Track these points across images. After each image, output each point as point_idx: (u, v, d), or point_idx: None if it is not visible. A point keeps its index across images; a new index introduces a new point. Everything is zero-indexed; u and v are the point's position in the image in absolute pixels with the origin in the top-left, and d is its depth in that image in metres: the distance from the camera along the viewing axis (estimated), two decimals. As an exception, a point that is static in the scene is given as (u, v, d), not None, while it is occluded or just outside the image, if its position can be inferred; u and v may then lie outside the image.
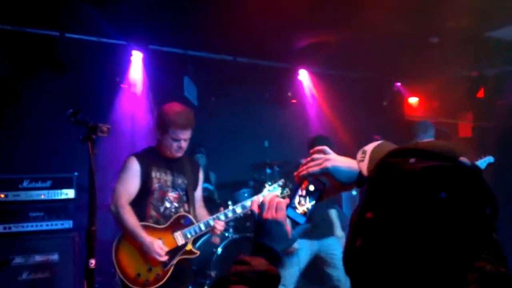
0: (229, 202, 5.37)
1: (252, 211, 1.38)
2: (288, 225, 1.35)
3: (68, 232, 4.38)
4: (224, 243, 4.91)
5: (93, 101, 5.17)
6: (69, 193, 4.45)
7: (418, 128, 5.45)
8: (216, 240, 3.49)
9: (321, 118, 7.26)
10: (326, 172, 1.40)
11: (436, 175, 0.91)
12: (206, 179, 6.01)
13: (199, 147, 5.84)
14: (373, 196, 0.98)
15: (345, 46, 5.94)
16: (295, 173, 1.46)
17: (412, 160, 0.94)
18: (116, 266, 3.18)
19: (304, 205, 1.36)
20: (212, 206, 5.31)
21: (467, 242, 0.91)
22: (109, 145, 5.58)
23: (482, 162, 5.36)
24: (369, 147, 1.23)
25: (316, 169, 1.42)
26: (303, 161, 1.51)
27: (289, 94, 6.76)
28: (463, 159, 0.94)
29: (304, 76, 7.10)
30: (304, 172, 1.44)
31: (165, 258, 3.20)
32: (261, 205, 1.37)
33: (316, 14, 5.00)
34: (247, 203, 3.55)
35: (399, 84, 7.64)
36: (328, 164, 1.40)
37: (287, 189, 3.62)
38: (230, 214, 3.51)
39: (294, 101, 6.87)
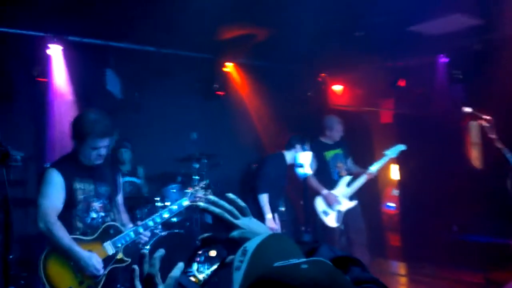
0: (157, 198, 5.34)
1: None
2: None
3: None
4: (152, 240, 4.85)
5: (9, 96, 4.91)
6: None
7: (325, 124, 5.67)
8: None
9: (249, 109, 7.27)
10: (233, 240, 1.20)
11: None
12: (133, 173, 5.87)
13: (124, 141, 5.67)
14: None
15: (271, 38, 5.96)
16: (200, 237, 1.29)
17: None
18: (45, 282, 3.06)
19: (202, 272, 1.21)
20: (140, 201, 5.24)
21: None
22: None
23: (394, 150, 5.65)
24: (252, 245, 0.95)
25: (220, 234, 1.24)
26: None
27: (216, 86, 6.64)
28: None
29: (230, 68, 7.04)
30: (209, 234, 1.26)
31: (102, 273, 3.13)
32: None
33: (242, 7, 4.96)
34: (174, 207, 3.55)
35: (323, 74, 7.75)
36: (236, 234, 1.20)
37: (210, 191, 3.63)
38: (158, 220, 3.48)
39: (221, 93, 6.79)
